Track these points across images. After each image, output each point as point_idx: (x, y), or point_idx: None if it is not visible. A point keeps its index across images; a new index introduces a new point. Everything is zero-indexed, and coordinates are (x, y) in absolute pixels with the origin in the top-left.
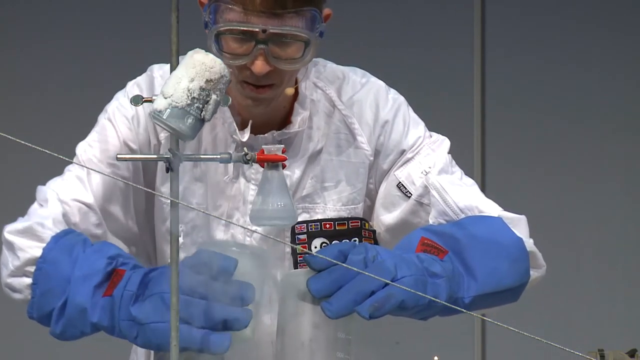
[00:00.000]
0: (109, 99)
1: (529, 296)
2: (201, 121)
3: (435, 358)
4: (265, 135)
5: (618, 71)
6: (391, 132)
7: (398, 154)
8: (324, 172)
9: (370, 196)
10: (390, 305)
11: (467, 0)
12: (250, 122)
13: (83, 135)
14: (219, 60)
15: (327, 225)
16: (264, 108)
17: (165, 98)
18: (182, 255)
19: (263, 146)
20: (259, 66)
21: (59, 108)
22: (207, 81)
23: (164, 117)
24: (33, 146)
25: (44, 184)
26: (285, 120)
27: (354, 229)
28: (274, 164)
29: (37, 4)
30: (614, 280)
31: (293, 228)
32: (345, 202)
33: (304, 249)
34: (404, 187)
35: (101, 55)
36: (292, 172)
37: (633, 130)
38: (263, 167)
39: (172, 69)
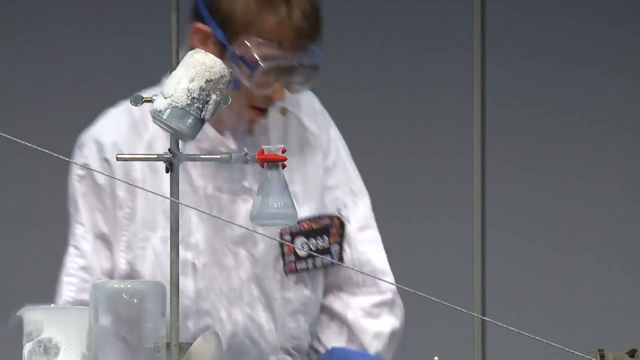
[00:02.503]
0: (108, 98)
1: (529, 296)
2: (201, 121)
3: (436, 358)
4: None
5: (618, 71)
6: None
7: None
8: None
9: None
10: None
11: (467, 0)
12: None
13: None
14: (219, 61)
15: (305, 225)
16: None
17: (165, 98)
18: None
19: (263, 146)
20: (281, 94)
21: (59, 108)
22: (207, 81)
23: (164, 117)
24: (33, 146)
25: (43, 183)
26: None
27: (325, 227)
28: (274, 163)
29: (37, 4)
30: (614, 280)
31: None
32: (318, 199)
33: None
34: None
35: (101, 55)
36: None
37: (633, 130)
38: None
39: (172, 69)
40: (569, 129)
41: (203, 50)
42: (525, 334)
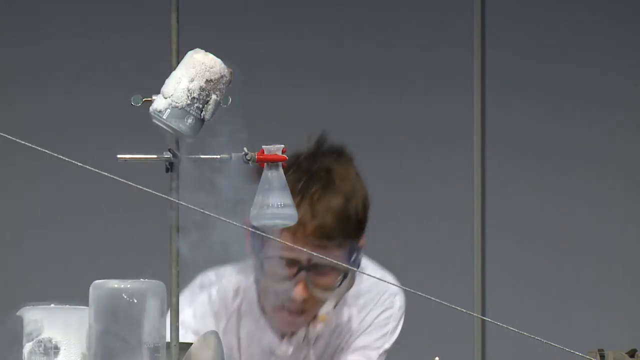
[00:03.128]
0: (108, 99)
1: (529, 296)
2: (201, 121)
3: (437, 358)
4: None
5: (618, 71)
6: None
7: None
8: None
9: None
10: None
11: (467, 0)
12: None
13: (83, 135)
14: (219, 61)
15: None
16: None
17: (165, 98)
18: None
19: (263, 146)
20: (299, 292)
21: (59, 108)
22: (207, 81)
23: (164, 117)
24: (33, 146)
25: (43, 183)
26: None
27: None
28: (274, 163)
29: (37, 4)
30: (614, 280)
31: None
32: None
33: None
34: None
35: (101, 55)
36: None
37: (633, 130)
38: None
39: (172, 69)
40: (569, 129)
41: (203, 51)
42: (525, 334)
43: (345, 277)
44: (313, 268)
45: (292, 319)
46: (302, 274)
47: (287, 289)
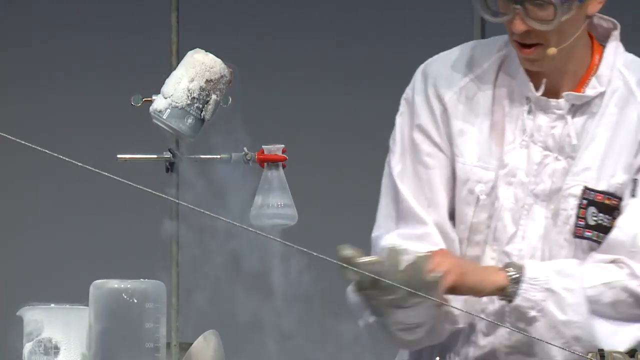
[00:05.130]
0: (108, 98)
1: None
2: (201, 121)
3: (437, 359)
4: (558, 100)
5: None
6: None
7: None
8: (604, 149)
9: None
10: None
11: (467, 0)
12: (544, 80)
13: (83, 135)
14: (219, 60)
15: (599, 197)
16: (538, 67)
17: (165, 98)
18: None
19: (263, 146)
20: (516, 25)
21: (59, 108)
22: (207, 81)
23: (164, 117)
24: (33, 146)
25: (42, 183)
26: (577, 91)
27: (613, 207)
28: (273, 163)
29: (37, 4)
30: None
31: (584, 190)
32: (615, 181)
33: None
34: (636, 185)
35: (101, 55)
36: (587, 132)
37: None
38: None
39: (172, 69)
40: None
41: (203, 51)
42: (525, 334)
43: (557, 8)
44: (527, 2)
45: (524, 53)
46: (517, 7)
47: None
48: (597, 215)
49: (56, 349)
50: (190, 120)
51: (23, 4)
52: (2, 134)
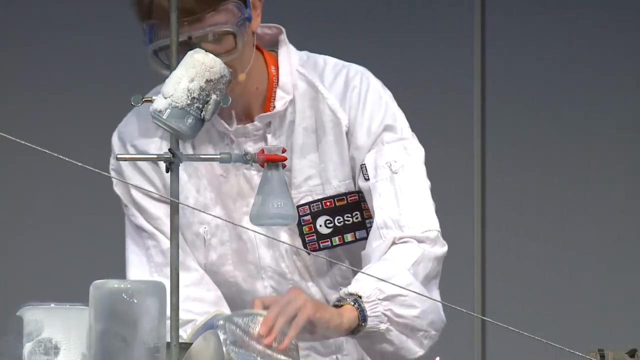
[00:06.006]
0: (108, 98)
1: (529, 296)
2: (201, 121)
3: (437, 358)
4: (253, 122)
5: (619, 70)
6: (365, 103)
7: (370, 134)
8: (316, 152)
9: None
10: None
11: (466, 0)
12: (233, 112)
13: (83, 135)
14: (219, 60)
15: (328, 203)
16: (231, 97)
17: (165, 98)
18: (216, 258)
19: (263, 146)
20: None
21: (59, 108)
22: (207, 81)
23: (164, 117)
24: (33, 146)
25: (42, 183)
26: (266, 108)
27: (353, 203)
28: (273, 163)
29: (37, 4)
30: (614, 280)
31: (308, 205)
32: (342, 179)
33: (307, 248)
34: (365, 169)
35: (101, 55)
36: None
37: (634, 130)
38: (263, 167)
39: (172, 69)
40: (569, 128)
41: (203, 50)
42: (525, 334)
43: (236, 36)
44: (202, 42)
45: None
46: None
47: None
48: (333, 220)
49: (56, 349)
50: (190, 120)
51: (23, 4)
52: (2, 134)
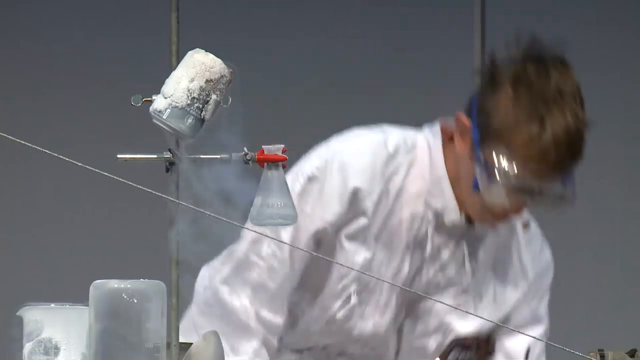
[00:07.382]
0: (108, 98)
1: None
2: (201, 121)
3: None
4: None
5: (618, 71)
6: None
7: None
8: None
9: None
10: None
11: (466, 0)
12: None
13: (83, 135)
14: (219, 60)
15: (468, 340)
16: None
17: (165, 98)
18: None
19: (263, 146)
20: (520, 211)
21: (59, 108)
22: (207, 81)
23: (164, 117)
24: (33, 146)
25: (42, 183)
26: None
27: (472, 343)
28: (274, 163)
29: (37, 4)
30: (614, 280)
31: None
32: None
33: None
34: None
35: (101, 55)
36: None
37: (634, 130)
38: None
39: (172, 69)
40: None
41: (203, 50)
42: (525, 334)
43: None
44: (533, 197)
45: (488, 223)
46: (519, 199)
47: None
48: (460, 353)
49: (56, 349)
50: (190, 120)
51: (23, 4)
52: (2, 134)
